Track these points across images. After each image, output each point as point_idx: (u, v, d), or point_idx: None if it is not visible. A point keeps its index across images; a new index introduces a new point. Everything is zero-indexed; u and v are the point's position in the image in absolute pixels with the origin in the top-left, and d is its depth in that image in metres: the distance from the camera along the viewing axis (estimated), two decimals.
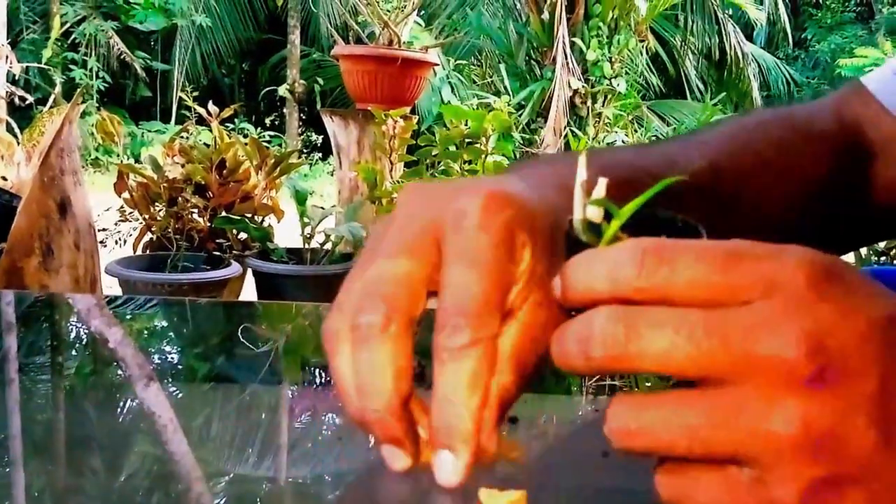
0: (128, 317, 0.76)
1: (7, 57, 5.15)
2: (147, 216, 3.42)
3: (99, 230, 3.35)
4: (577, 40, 8.63)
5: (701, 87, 12.14)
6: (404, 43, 3.91)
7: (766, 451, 0.27)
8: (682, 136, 0.63)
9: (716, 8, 11.37)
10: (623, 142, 8.40)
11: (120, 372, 0.58)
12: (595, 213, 0.32)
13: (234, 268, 3.18)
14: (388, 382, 0.34)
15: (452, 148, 3.19)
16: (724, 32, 11.63)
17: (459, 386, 0.33)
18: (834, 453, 0.27)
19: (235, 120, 10.28)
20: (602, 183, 0.32)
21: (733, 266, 0.28)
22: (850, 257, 2.73)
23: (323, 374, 0.60)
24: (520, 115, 8.37)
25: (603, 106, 8.68)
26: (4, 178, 3.53)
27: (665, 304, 0.28)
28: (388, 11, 4.00)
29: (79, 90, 3.84)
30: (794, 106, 0.66)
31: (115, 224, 3.55)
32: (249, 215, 3.51)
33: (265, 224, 3.55)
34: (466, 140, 3.17)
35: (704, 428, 0.28)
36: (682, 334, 0.28)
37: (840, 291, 0.28)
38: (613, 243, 0.31)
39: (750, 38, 12.73)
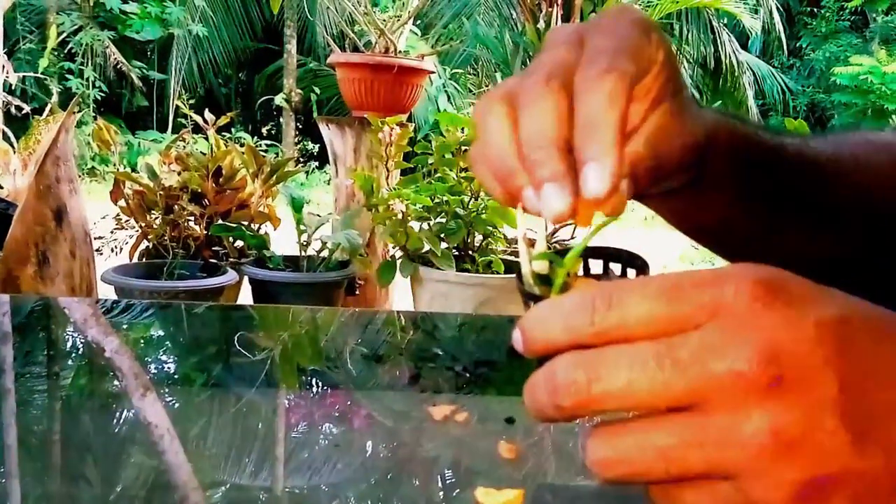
0: (124, 323, 0.75)
1: (3, 67, 5.15)
2: (143, 224, 3.42)
3: (95, 238, 3.35)
4: None
5: (696, 95, 12.16)
6: (401, 51, 3.92)
7: (742, 462, 0.28)
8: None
9: (711, 17, 11.41)
10: None
11: (117, 380, 0.58)
12: (541, 266, 0.34)
13: (231, 275, 3.18)
14: (550, 124, 0.37)
15: (449, 156, 3.20)
16: (719, 41, 11.67)
17: (600, 104, 0.36)
18: (809, 456, 0.27)
19: (232, 129, 10.28)
20: (541, 237, 0.35)
21: (677, 296, 0.29)
22: None
23: (319, 382, 0.59)
24: None
25: None
26: (1, 187, 3.52)
27: (623, 342, 0.29)
28: (385, 20, 4.01)
29: (75, 99, 3.84)
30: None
31: (112, 232, 3.55)
32: (246, 223, 3.51)
33: (262, 232, 3.55)
34: (463, 148, 3.17)
35: (678, 448, 0.29)
36: (637, 369, 0.29)
37: (785, 300, 0.29)
38: (564, 291, 0.33)
39: (745, 46, 12.78)
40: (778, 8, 12.37)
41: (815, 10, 14.14)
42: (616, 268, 0.40)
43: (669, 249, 6.18)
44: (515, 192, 0.37)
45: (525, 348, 0.32)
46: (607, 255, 0.37)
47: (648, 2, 9.37)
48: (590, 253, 0.37)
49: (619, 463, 0.30)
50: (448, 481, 0.44)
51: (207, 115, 3.87)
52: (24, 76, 6.46)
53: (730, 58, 11.75)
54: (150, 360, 0.66)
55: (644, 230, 6.93)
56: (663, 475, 0.29)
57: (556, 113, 0.37)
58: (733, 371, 0.28)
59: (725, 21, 11.69)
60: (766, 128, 0.55)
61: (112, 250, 3.55)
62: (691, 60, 12.02)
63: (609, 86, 0.36)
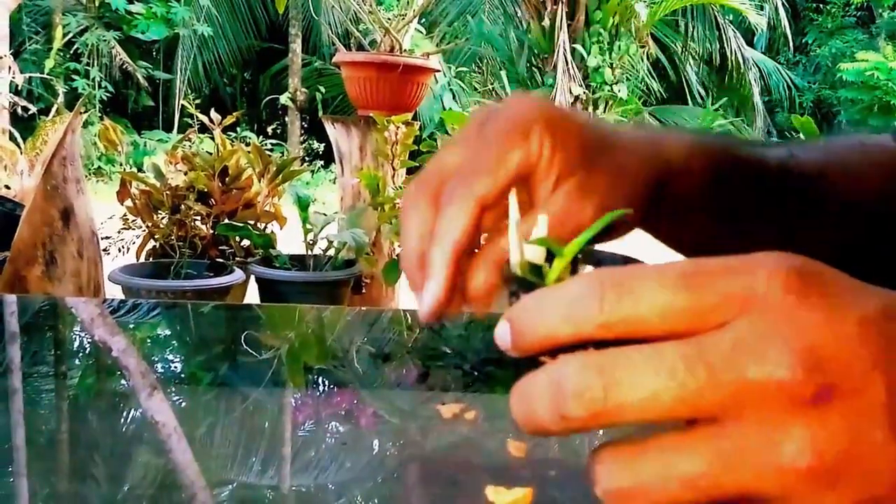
0: (131, 323, 0.75)
1: (10, 67, 5.17)
2: (150, 224, 3.43)
3: (102, 238, 3.36)
4: (578, 46, 8.64)
5: (702, 92, 12.15)
6: (406, 50, 3.92)
7: (782, 489, 0.25)
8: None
9: (716, 13, 11.37)
10: None
11: (124, 380, 0.58)
12: (536, 254, 0.30)
13: (238, 274, 3.18)
14: (411, 240, 0.40)
15: None
16: (724, 37, 11.63)
17: (441, 227, 0.38)
18: (857, 477, 0.25)
19: (237, 128, 10.28)
20: (543, 221, 0.31)
21: (702, 285, 0.26)
22: None
23: (326, 381, 0.59)
24: None
25: (604, 112, 8.69)
26: (8, 187, 3.54)
27: (634, 338, 0.26)
28: (390, 19, 4.01)
29: (81, 99, 3.85)
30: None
31: (119, 232, 3.56)
32: (252, 222, 3.51)
33: (268, 231, 3.56)
34: None
35: (709, 475, 0.25)
36: (663, 374, 0.25)
37: (821, 292, 0.25)
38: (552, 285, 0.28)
39: (750, 43, 12.73)
40: (783, 4, 12.32)
41: (821, 5, 14.08)
42: None
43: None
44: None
45: (514, 344, 0.27)
46: (598, 260, 0.32)
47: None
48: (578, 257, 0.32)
49: (639, 494, 0.26)
50: (457, 480, 0.44)
51: (213, 114, 3.88)
52: (30, 77, 6.48)
53: (735, 54, 11.71)
54: (156, 359, 0.66)
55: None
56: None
57: (419, 229, 0.40)
58: (773, 379, 0.24)
59: (731, 17, 11.65)
60: (751, 143, 0.54)
61: (119, 250, 3.56)
62: (696, 57, 11.99)
63: (451, 210, 0.38)
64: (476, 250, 0.40)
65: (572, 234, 0.38)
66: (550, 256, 0.30)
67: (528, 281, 0.29)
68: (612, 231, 0.44)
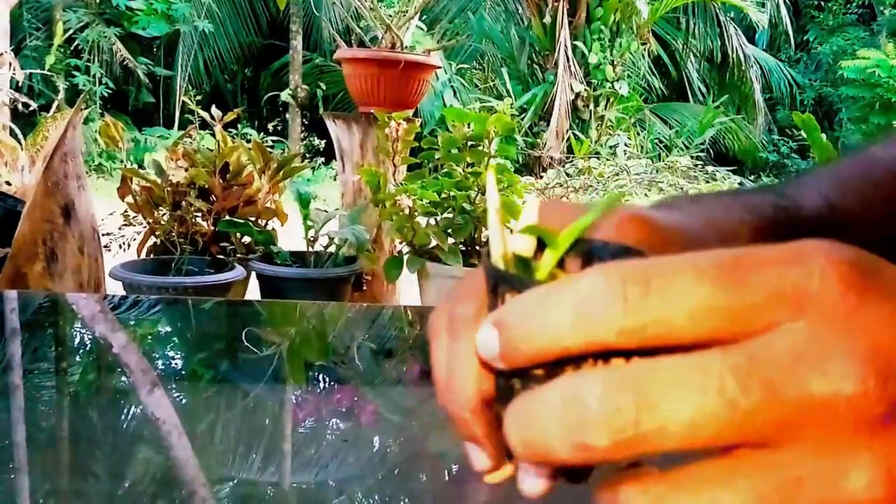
0: (132, 319, 0.75)
1: (10, 64, 5.17)
2: (151, 220, 3.43)
3: (103, 234, 3.36)
4: (579, 44, 8.63)
5: (703, 89, 12.14)
6: (407, 47, 3.91)
7: None
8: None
9: (717, 10, 11.37)
10: (626, 144, 8.38)
11: (125, 376, 0.58)
12: (523, 245, 0.25)
13: (238, 271, 3.18)
14: (470, 377, 0.28)
15: (455, 151, 3.19)
16: (725, 35, 11.62)
17: (455, 362, 0.29)
18: None
19: (238, 125, 10.28)
20: (533, 203, 0.26)
21: (745, 280, 0.21)
22: None
23: (326, 377, 0.59)
24: (522, 119, 8.37)
25: (605, 109, 8.69)
26: (9, 183, 3.54)
27: (661, 347, 0.21)
28: (391, 16, 4.00)
29: (82, 95, 3.85)
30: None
31: (119, 228, 3.56)
32: (253, 219, 3.51)
33: (269, 228, 3.56)
34: (469, 143, 3.17)
35: None
36: (712, 393, 0.20)
37: (883, 290, 0.21)
38: (551, 282, 0.23)
39: (752, 40, 12.72)
40: (785, 1, 12.31)
41: (822, 3, 14.07)
42: None
43: None
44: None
45: (506, 352, 0.22)
46: (590, 250, 0.26)
47: None
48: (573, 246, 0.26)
49: None
50: (457, 477, 0.44)
51: (214, 111, 3.88)
52: (30, 73, 6.47)
53: (737, 51, 11.71)
54: (157, 355, 0.65)
55: None
56: None
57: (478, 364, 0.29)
58: (841, 395, 0.20)
59: (732, 14, 11.65)
60: (735, 193, 0.47)
61: (120, 246, 3.56)
62: (698, 54, 11.98)
63: (458, 344, 0.29)
64: None
65: None
66: (540, 247, 0.25)
67: (514, 277, 0.24)
68: None
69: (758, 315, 0.21)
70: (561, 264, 0.25)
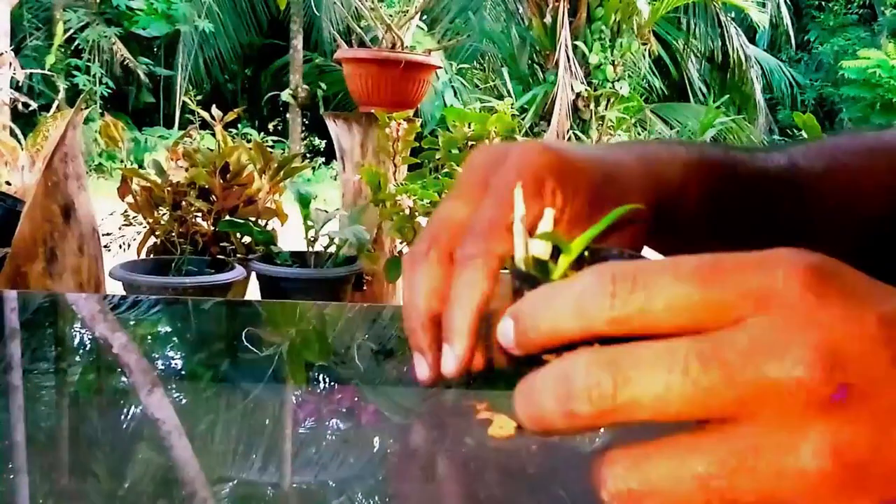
0: (131, 319, 0.75)
1: (11, 63, 5.17)
2: (151, 220, 3.43)
3: (103, 234, 3.36)
4: (580, 44, 8.63)
5: (704, 89, 12.14)
6: (407, 47, 3.91)
7: (801, 491, 0.24)
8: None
9: (718, 11, 11.36)
10: None
11: (124, 377, 0.58)
12: (541, 249, 0.29)
13: (238, 271, 3.18)
14: (422, 298, 0.38)
15: (456, 150, 3.19)
16: (726, 35, 11.62)
17: (462, 288, 0.36)
18: (879, 480, 0.24)
19: (239, 125, 10.28)
20: (549, 214, 0.31)
21: (717, 280, 0.25)
22: None
23: (327, 378, 0.59)
24: (523, 119, 8.38)
25: (606, 109, 8.68)
26: (9, 183, 3.54)
27: (645, 335, 0.25)
28: (391, 16, 4.00)
29: (82, 95, 3.85)
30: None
31: (119, 228, 3.56)
32: (253, 219, 3.51)
33: (269, 228, 3.56)
34: (470, 143, 3.17)
35: (723, 475, 0.24)
36: (677, 371, 0.24)
37: (840, 291, 0.25)
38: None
39: (752, 40, 12.72)
40: (786, 1, 12.32)
41: (823, 3, 14.08)
42: None
43: None
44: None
45: (518, 340, 0.27)
46: (604, 257, 0.31)
47: None
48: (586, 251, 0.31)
49: (649, 496, 0.25)
50: (456, 475, 0.44)
51: (214, 111, 3.88)
52: (31, 73, 6.48)
53: (737, 52, 11.71)
54: (157, 356, 0.65)
55: None
56: None
57: (430, 287, 0.38)
58: (792, 378, 0.23)
59: (733, 15, 11.65)
60: (751, 151, 0.53)
61: (120, 246, 3.56)
62: (698, 54, 11.99)
63: (471, 273, 0.37)
64: None
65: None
66: (556, 253, 0.29)
67: (532, 276, 0.28)
68: (623, 229, 0.43)
69: (728, 310, 0.25)
70: (579, 266, 0.29)
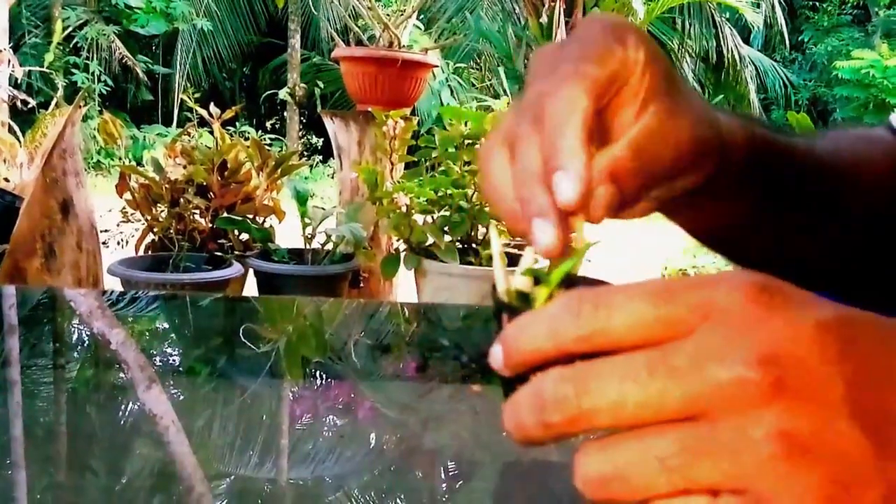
0: (129, 315, 0.75)
1: (9, 61, 5.15)
2: (149, 217, 3.43)
3: (101, 231, 3.36)
4: None
5: (698, 89, 12.13)
6: (404, 46, 3.92)
7: (756, 471, 0.26)
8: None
9: (713, 11, 11.36)
10: None
11: (122, 372, 0.58)
12: (523, 282, 0.32)
13: (236, 268, 3.18)
14: (533, 159, 0.36)
15: (452, 149, 3.20)
16: (721, 35, 11.61)
17: (560, 111, 0.35)
18: (829, 459, 0.25)
19: (237, 123, 10.27)
20: (529, 252, 0.33)
21: (668, 298, 0.27)
22: None
23: (323, 373, 0.59)
24: None
25: None
26: (7, 180, 3.53)
27: (612, 350, 0.28)
28: (389, 15, 4.01)
29: (81, 92, 3.85)
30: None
31: (118, 225, 3.56)
32: (251, 216, 3.51)
33: (266, 225, 3.56)
34: (466, 141, 3.17)
35: (682, 456, 0.26)
36: (629, 380, 0.27)
37: (781, 301, 0.27)
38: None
39: (747, 40, 12.72)
40: (780, 2, 12.31)
41: (817, 4, 14.08)
42: None
43: (672, 242, 6.19)
44: (524, 233, 0.36)
45: (506, 361, 0.29)
46: (573, 284, 0.33)
47: None
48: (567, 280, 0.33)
49: (615, 479, 0.27)
50: (452, 470, 0.44)
51: (212, 108, 3.88)
52: (29, 70, 6.46)
53: (732, 52, 11.70)
54: (155, 351, 0.65)
55: (645, 223, 6.89)
56: (666, 490, 0.26)
57: (536, 148, 0.36)
58: (733, 376, 0.26)
59: (727, 15, 11.65)
60: (777, 128, 0.54)
61: (118, 243, 3.56)
62: (693, 55, 11.98)
63: (566, 91, 0.36)
64: None
65: (664, 153, 0.39)
66: (537, 284, 0.32)
67: (516, 307, 0.31)
68: (630, 209, 0.43)
69: (679, 323, 0.27)
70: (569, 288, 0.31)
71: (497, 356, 0.30)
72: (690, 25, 11.53)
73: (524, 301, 0.31)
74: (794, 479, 0.25)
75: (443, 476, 0.42)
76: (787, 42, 13.05)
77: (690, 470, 0.26)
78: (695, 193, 0.45)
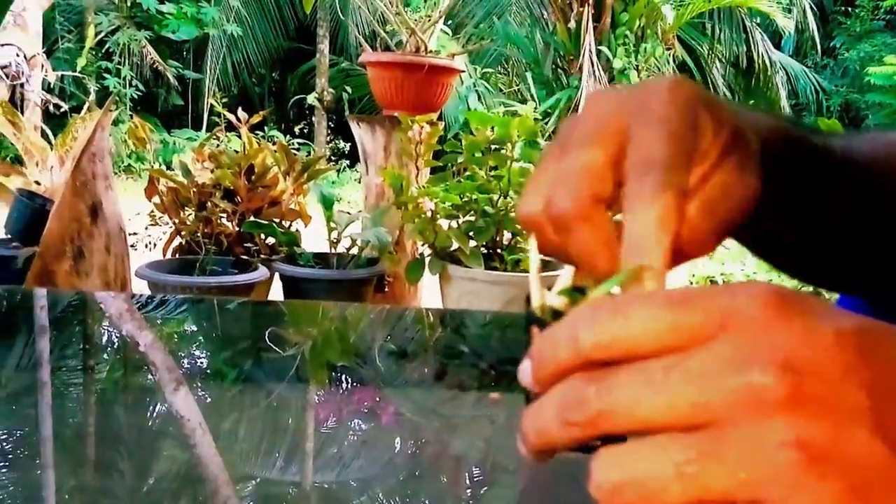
0: (158, 318, 0.76)
1: (42, 66, 5.24)
2: (177, 220, 3.46)
3: (130, 234, 3.39)
4: (604, 48, 8.60)
5: (728, 95, 12.01)
6: (431, 51, 3.92)
7: (773, 479, 0.25)
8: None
9: (743, 16, 11.26)
10: None
11: (150, 374, 0.58)
12: (558, 300, 0.33)
13: (262, 272, 3.20)
14: (579, 177, 0.35)
15: (478, 154, 3.19)
16: (751, 40, 11.51)
17: (649, 230, 0.33)
18: (846, 469, 0.25)
19: (265, 128, 10.35)
20: (567, 272, 0.34)
21: (686, 306, 0.28)
22: None
23: (349, 378, 0.59)
24: (546, 124, 8.35)
25: None
26: (38, 183, 3.59)
27: (631, 357, 0.28)
28: (416, 20, 4.02)
29: (111, 96, 3.90)
30: None
31: (146, 228, 3.59)
32: (277, 220, 3.53)
33: (292, 229, 3.58)
34: (492, 146, 3.17)
35: (697, 462, 0.26)
36: (644, 384, 0.27)
37: (800, 310, 0.27)
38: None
39: (778, 46, 12.58)
40: (811, 7, 12.16)
41: (850, 9, 13.88)
42: None
43: None
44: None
45: (535, 377, 0.30)
46: None
47: (681, 1, 9.27)
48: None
49: (630, 486, 0.27)
50: (475, 476, 0.44)
51: (240, 113, 3.91)
52: (62, 75, 6.57)
53: (762, 57, 11.59)
54: (182, 354, 0.66)
55: None
56: (681, 497, 0.26)
57: (592, 243, 0.35)
58: (750, 383, 0.26)
59: (758, 20, 11.53)
60: (812, 129, 0.54)
61: (146, 246, 3.60)
62: (723, 60, 11.88)
63: (660, 210, 0.34)
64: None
65: (734, 209, 0.39)
66: (573, 303, 0.32)
67: (547, 324, 0.32)
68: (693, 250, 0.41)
69: (697, 331, 0.27)
70: None
71: (526, 372, 0.30)
72: (720, 30, 11.43)
73: (557, 319, 0.31)
74: (810, 489, 0.25)
75: (467, 482, 0.43)
76: (819, 47, 12.88)
77: (705, 477, 0.26)
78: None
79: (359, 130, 3.72)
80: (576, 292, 0.32)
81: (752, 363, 0.26)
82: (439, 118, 3.91)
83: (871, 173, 0.55)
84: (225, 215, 3.43)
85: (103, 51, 10.43)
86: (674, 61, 10.21)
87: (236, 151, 3.70)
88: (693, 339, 0.27)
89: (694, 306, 0.27)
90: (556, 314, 0.32)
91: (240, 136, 3.88)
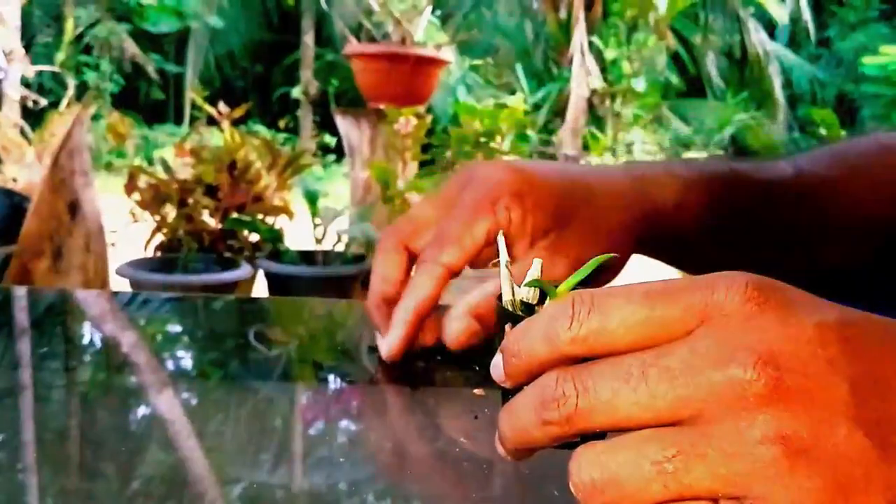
0: (139, 317, 0.73)
1: (21, 60, 5.16)
2: (158, 217, 3.41)
3: (110, 231, 3.34)
4: (596, 39, 8.59)
5: (722, 85, 12.06)
6: (418, 42, 3.88)
7: (753, 474, 0.25)
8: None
9: (737, 6, 11.29)
10: (643, 142, 8.33)
11: (132, 375, 0.56)
12: (528, 294, 0.32)
13: (245, 269, 3.17)
14: (375, 281, 0.54)
15: (467, 147, 3.15)
16: (745, 30, 11.56)
17: (409, 289, 0.50)
18: (828, 462, 0.25)
19: (249, 122, 10.30)
20: (537, 263, 0.33)
21: (664, 299, 0.27)
22: None
23: (335, 376, 0.59)
24: (537, 116, 8.34)
25: (622, 105, 8.63)
26: (15, 180, 3.52)
27: (608, 352, 0.28)
28: (403, 11, 3.97)
29: (90, 91, 3.83)
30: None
31: (126, 226, 3.54)
32: (261, 216, 3.48)
33: (277, 225, 3.53)
34: (481, 139, 3.12)
35: (677, 459, 0.25)
36: (621, 380, 0.27)
37: (780, 301, 0.27)
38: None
39: (772, 36, 12.64)
40: None
41: None
42: None
43: None
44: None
45: (507, 371, 0.29)
46: None
47: None
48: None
49: (609, 484, 0.26)
50: (467, 476, 0.43)
51: (221, 106, 3.86)
52: (40, 70, 6.48)
53: (756, 47, 11.64)
54: (165, 353, 0.64)
55: None
56: (661, 495, 0.26)
57: (384, 273, 0.54)
58: (730, 377, 0.25)
59: (752, 10, 11.57)
60: (757, 163, 0.59)
61: (126, 244, 3.55)
62: (717, 50, 11.91)
63: (420, 278, 0.50)
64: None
65: (560, 273, 0.48)
66: (542, 297, 0.32)
67: (519, 317, 0.31)
68: (603, 274, 0.49)
69: (674, 325, 0.27)
70: None
71: (498, 367, 0.30)
72: (714, 20, 11.48)
73: (529, 312, 0.31)
74: (793, 483, 0.24)
75: (456, 481, 0.42)
76: (813, 38, 12.94)
77: (686, 474, 0.25)
78: (646, 251, 0.55)
79: (344, 123, 3.68)
80: (546, 284, 0.32)
81: (731, 358, 0.25)
82: (427, 111, 3.87)
83: (833, 195, 0.59)
84: (207, 211, 3.38)
85: (82, 44, 10.34)
86: (666, 52, 10.21)
87: (219, 146, 3.65)
88: (671, 334, 0.27)
89: (672, 300, 0.27)
90: (528, 308, 0.32)
91: (222, 131, 3.82)
